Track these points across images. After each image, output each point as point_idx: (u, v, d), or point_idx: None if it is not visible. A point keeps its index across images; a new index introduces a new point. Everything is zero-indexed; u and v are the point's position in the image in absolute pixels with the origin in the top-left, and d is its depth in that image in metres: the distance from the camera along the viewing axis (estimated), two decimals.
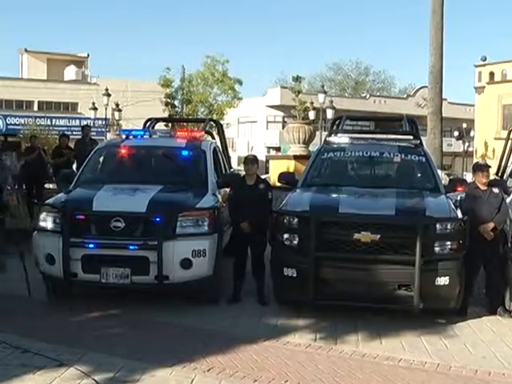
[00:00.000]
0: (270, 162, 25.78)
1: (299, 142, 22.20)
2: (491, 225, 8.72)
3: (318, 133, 30.07)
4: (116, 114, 42.40)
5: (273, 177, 17.80)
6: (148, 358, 6.66)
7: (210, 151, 10.52)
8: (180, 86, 41.14)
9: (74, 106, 54.52)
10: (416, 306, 7.93)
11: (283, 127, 36.92)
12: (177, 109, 40.71)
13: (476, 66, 47.57)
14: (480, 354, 7.27)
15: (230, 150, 14.65)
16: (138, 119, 16.89)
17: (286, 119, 50.94)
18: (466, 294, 8.58)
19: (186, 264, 8.36)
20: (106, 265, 8.31)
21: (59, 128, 43.62)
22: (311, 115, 37.05)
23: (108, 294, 8.97)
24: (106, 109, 41.37)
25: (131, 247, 8.31)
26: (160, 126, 15.44)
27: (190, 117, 37.53)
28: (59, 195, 9.53)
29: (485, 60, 46.96)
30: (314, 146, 16.30)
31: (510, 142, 11.99)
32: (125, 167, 10.48)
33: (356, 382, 6.27)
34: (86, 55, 59.88)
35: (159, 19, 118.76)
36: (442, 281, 8.00)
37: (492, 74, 46.46)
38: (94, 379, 6.07)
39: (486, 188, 9.02)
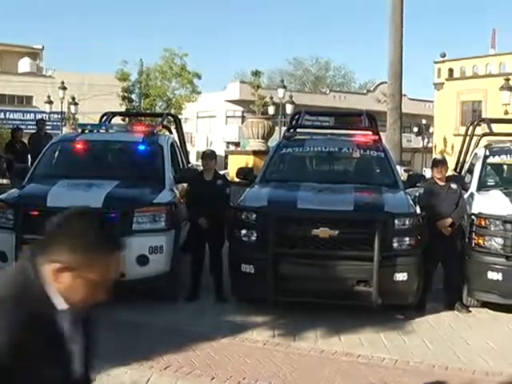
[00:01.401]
0: (229, 157, 25.69)
1: (258, 138, 22.14)
2: (449, 220, 8.77)
3: (277, 128, 30.08)
4: (72, 107, 41.75)
5: (231, 172, 17.72)
6: (103, 357, 6.46)
7: (168, 146, 10.39)
8: (138, 80, 40.79)
9: (29, 99, 53.54)
10: (374, 302, 7.93)
11: (243, 122, 36.84)
12: (134, 103, 40.35)
13: (435, 63, 47.96)
14: (438, 349, 7.30)
15: (188, 144, 14.56)
16: (95, 113, 16.68)
17: (245, 114, 50.79)
18: (424, 290, 8.63)
19: (142, 260, 8.24)
20: None
21: (13, 122, 42.86)
22: (270, 110, 37.08)
23: None
24: (61, 102, 40.77)
25: None
26: (117, 120, 15.28)
27: (148, 111, 37.23)
28: (12, 191, 9.30)
29: (444, 57, 47.38)
30: (273, 142, 16.24)
31: (468, 138, 12.07)
32: (80, 162, 10.30)
33: (314, 379, 6.23)
34: (41, 47, 58.81)
35: (116, 11, 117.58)
36: (401, 276, 8.01)
37: (451, 71, 46.93)
38: None
39: (444, 184, 9.07)
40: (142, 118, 27.86)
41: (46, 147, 10.55)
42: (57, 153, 10.47)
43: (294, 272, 8.08)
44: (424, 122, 54.45)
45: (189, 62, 40.79)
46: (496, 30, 52.89)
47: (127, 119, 27.17)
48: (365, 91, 67.37)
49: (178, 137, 12.84)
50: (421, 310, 8.64)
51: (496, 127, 11.78)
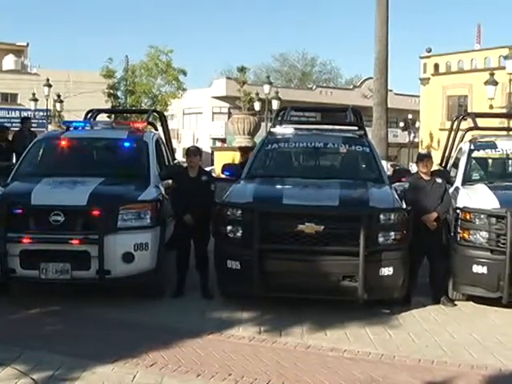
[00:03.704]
0: (215, 153, 25.72)
1: (244, 134, 22.17)
2: (434, 215, 8.80)
3: (263, 124, 30.10)
4: (57, 105, 41.63)
5: (218, 168, 17.71)
6: (89, 355, 6.51)
7: (153, 143, 10.35)
8: (123, 77, 40.67)
9: (14, 96, 53.16)
10: (360, 297, 7.94)
11: (229, 118, 36.84)
12: (120, 100, 40.27)
13: (421, 58, 48.09)
14: (424, 343, 7.32)
15: (175, 141, 14.54)
16: (81, 111, 16.60)
17: (231, 110, 50.76)
18: (409, 284, 8.64)
19: (127, 258, 8.22)
20: (45, 260, 8.09)
21: None
22: (256, 106, 37.11)
23: (48, 291, 8.78)
24: (47, 100, 40.63)
25: (71, 242, 8.12)
26: (103, 117, 15.21)
27: (134, 108, 37.14)
28: None
29: (430, 52, 47.52)
30: (259, 138, 16.25)
31: (453, 132, 12.12)
32: (65, 160, 10.24)
33: (300, 374, 6.22)
34: (26, 44, 58.45)
35: (101, 9, 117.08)
36: (386, 271, 8.02)
37: (437, 66, 47.08)
38: (32, 378, 5.90)
39: (429, 178, 9.10)
40: (128, 115, 27.87)
41: (30, 145, 10.49)
42: (41, 150, 10.41)
43: (280, 268, 8.07)
44: (410, 116, 54.62)
45: (174, 59, 40.76)
46: (481, 26, 53.18)
47: (113, 116, 27.15)
48: (351, 87, 67.48)
49: (164, 133, 12.79)
50: (406, 305, 8.67)
51: (481, 121, 11.81)
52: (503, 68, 30.94)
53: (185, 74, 41.01)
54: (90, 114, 12.61)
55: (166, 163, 11.25)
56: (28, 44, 58.59)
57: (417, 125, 52.74)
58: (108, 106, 36.36)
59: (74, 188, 8.70)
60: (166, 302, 8.72)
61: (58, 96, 41.30)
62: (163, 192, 9.35)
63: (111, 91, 39.66)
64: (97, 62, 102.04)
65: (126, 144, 10.19)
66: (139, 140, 10.27)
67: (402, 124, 56.77)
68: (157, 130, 13.19)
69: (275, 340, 7.25)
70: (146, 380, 5.98)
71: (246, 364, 6.43)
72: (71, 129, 10.89)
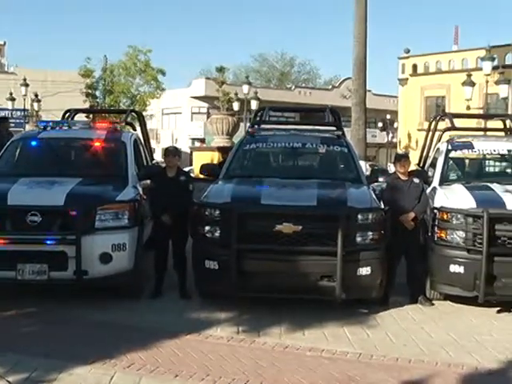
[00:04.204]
0: (194, 153, 25.69)
1: (223, 134, 22.16)
2: (412, 215, 8.85)
3: (242, 124, 30.09)
4: (35, 104, 41.37)
5: (196, 169, 17.68)
6: (66, 356, 6.47)
7: (131, 143, 10.30)
8: (101, 77, 40.49)
9: None
10: (338, 297, 7.95)
11: (208, 118, 36.81)
12: (98, 99, 40.08)
13: (399, 58, 48.40)
14: (401, 342, 7.36)
15: (153, 141, 14.48)
16: (59, 110, 16.48)
17: (210, 110, 50.71)
18: (387, 284, 8.69)
19: (105, 258, 8.18)
20: (22, 261, 8.03)
21: None
22: (235, 106, 37.06)
23: (25, 292, 8.71)
24: (24, 99, 40.35)
25: (48, 242, 8.07)
26: (81, 117, 15.14)
27: (112, 108, 36.98)
28: None
29: (408, 52, 47.83)
30: (238, 138, 16.24)
31: (431, 133, 12.21)
32: (42, 160, 10.17)
33: (279, 374, 6.23)
34: (3, 43, 58.04)
35: (80, 8, 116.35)
36: (364, 271, 8.05)
37: (415, 67, 47.40)
38: (8, 381, 5.85)
39: (406, 178, 9.14)
40: (106, 115, 27.73)
41: (6, 145, 10.40)
42: (18, 150, 10.32)
43: (258, 268, 8.07)
44: (389, 117, 54.90)
45: (153, 59, 40.69)
46: (459, 27, 53.68)
47: (91, 116, 27.00)
48: (330, 87, 67.63)
49: (142, 133, 12.72)
50: (384, 304, 8.71)
51: (458, 122, 11.90)
52: (480, 69, 31.18)
53: (163, 73, 41.00)
54: (67, 114, 12.53)
55: (145, 163, 11.19)
56: (5, 43, 58.26)
57: (395, 125, 53.00)
58: (86, 105, 36.19)
59: (51, 188, 8.63)
60: (144, 302, 8.68)
61: (36, 95, 41.04)
62: (141, 192, 9.31)
63: (89, 91, 39.48)
64: (75, 62, 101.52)
65: (104, 144, 10.12)
66: (117, 140, 10.22)
67: (380, 124, 57.03)
68: (135, 130, 13.15)
69: (253, 340, 7.25)
70: (123, 381, 5.95)
71: (224, 364, 6.42)
72: (48, 129, 10.82)
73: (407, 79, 47.47)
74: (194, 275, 8.64)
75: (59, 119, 12.36)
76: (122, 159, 9.82)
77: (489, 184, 9.44)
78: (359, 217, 8.14)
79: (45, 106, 41.16)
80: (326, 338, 7.41)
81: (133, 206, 8.63)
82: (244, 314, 8.17)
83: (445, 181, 9.96)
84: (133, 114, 14.46)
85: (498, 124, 13.54)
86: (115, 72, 40.85)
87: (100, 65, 40.56)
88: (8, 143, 10.46)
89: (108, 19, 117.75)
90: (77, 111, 13.35)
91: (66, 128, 10.97)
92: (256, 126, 11.25)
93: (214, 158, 19.83)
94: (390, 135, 54.53)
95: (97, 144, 10.17)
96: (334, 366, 6.47)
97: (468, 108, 30.25)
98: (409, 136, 45.88)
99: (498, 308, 8.70)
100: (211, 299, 8.64)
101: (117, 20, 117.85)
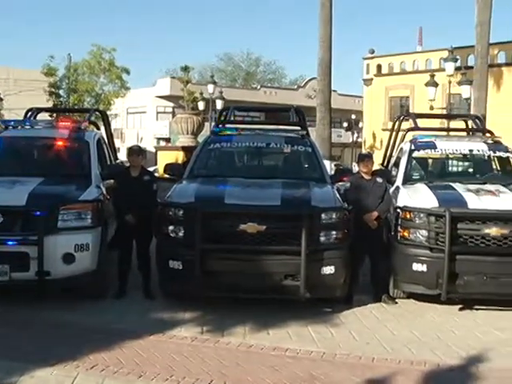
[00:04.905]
0: (158, 153, 25.61)
1: (188, 133, 22.10)
2: (375, 214, 8.93)
3: (207, 124, 30.00)
4: None
5: (161, 168, 17.61)
6: (27, 358, 6.38)
7: (94, 142, 10.22)
8: (65, 75, 40.08)
9: None
10: (302, 296, 7.97)
11: (173, 118, 36.66)
12: (62, 98, 39.65)
13: (364, 59, 48.63)
14: (364, 340, 7.41)
15: (118, 141, 14.38)
16: (22, 109, 16.26)
17: (176, 110, 50.48)
18: (351, 283, 8.76)
19: (68, 259, 8.09)
20: None
21: None
22: (200, 106, 37.00)
23: None
24: None
25: (10, 243, 7.97)
26: (44, 116, 14.95)
27: (76, 107, 36.64)
28: None
29: (373, 53, 48.06)
30: (202, 137, 16.21)
31: (394, 132, 12.32)
32: (3, 159, 10.04)
33: (243, 374, 6.23)
34: None
35: (44, 7, 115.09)
36: (328, 270, 8.08)
37: (379, 67, 47.65)
38: None
39: (370, 178, 9.22)
40: (70, 114, 27.43)
41: None
42: None
43: (222, 267, 8.06)
44: (354, 117, 55.09)
45: (118, 58, 40.39)
46: (422, 28, 54.20)
47: (55, 115, 26.71)
48: (295, 87, 67.74)
49: (106, 133, 12.64)
50: (348, 303, 8.76)
51: (421, 122, 12.02)
52: (443, 70, 31.44)
53: (128, 72, 40.70)
54: (30, 113, 12.38)
55: (108, 163, 11.12)
56: None
57: (360, 125, 53.25)
58: (49, 104, 35.77)
59: (12, 188, 8.53)
60: (107, 302, 8.61)
61: None
62: (105, 192, 9.24)
63: (53, 90, 39.02)
64: (39, 61, 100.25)
65: (67, 143, 10.03)
66: (80, 139, 10.13)
67: (345, 124, 57.25)
68: (99, 129, 13.04)
69: (217, 340, 7.24)
70: (86, 382, 5.90)
71: (187, 364, 6.41)
72: (10, 128, 10.69)
73: (372, 79, 47.72)
74: (158, 275, 8.61)
75: (22, 118, 12.20)
76: (85, 158, 9.74)
77: (451, 183, 9.55)
78: (323, 216, 8.18)
79: (7, 104, 40.55)
80: (290, 338, 7.43)
81: (96, 206, 8.56)
82: (208, 314, 8.16)
83: (408, 180, 10.05)
84: (97, 113, 14.37)
85: (461, 124, 13.73)
86: (79, 71, 40.46)
87: (64, 63, 40.15)
88: None
89: (73, 19, 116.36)
90: (39, 110, 13.17)
91: (29, 127, 10.86)
92: (220, 126, 11.23)
93: (179, 157, 19.78)
94: (355, 135, 54.83)
95: (59, 143, 10.08)
96: (298, 366, 6.49)
97: (431, 108, 30.53)
98: (373, 136, 46.14)
99: (460, 306, 8.81)
100: (175, 299, 8.62)
101: (82, 21, 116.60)
